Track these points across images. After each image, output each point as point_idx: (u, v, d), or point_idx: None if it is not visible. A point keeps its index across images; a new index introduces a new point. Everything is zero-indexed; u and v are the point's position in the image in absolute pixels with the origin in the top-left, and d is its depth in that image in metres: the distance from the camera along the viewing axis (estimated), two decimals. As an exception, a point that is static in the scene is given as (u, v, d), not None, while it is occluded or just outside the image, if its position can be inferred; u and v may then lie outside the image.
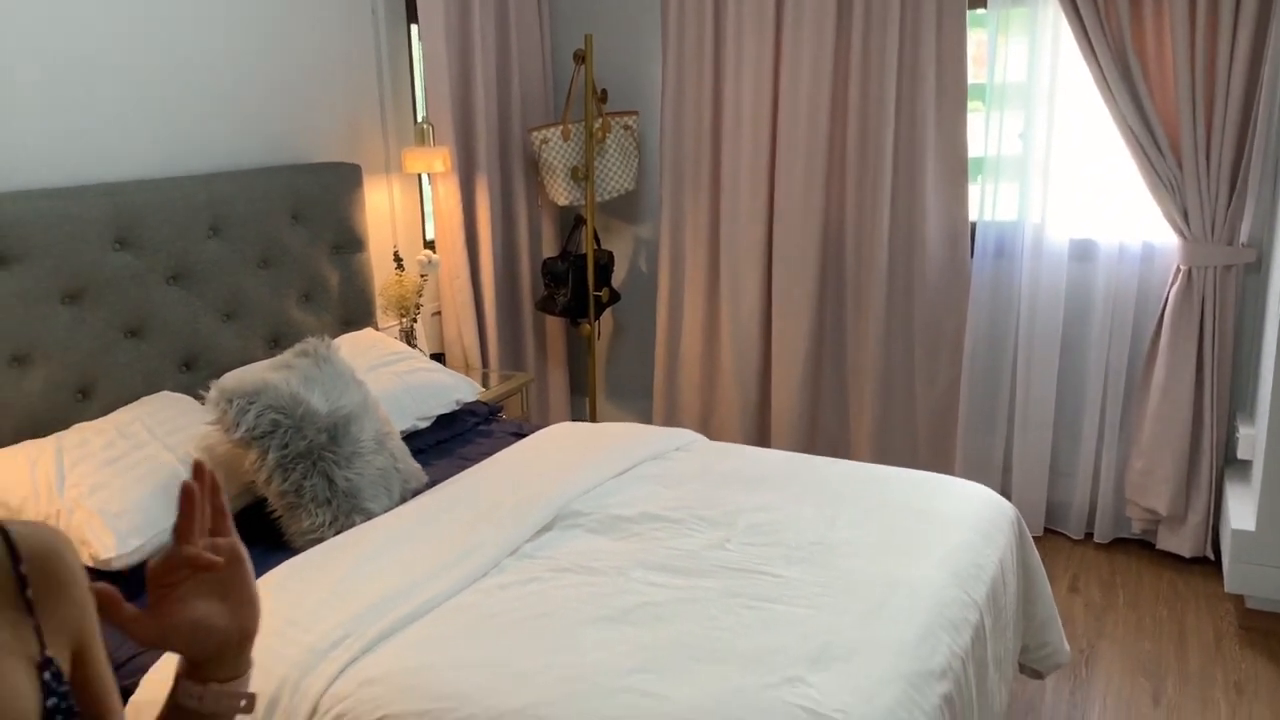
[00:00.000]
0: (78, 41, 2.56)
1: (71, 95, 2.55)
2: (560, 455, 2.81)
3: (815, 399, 4.05)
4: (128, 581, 2.09)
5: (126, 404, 2.52)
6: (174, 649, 0.85)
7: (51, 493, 2.13)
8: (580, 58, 3.92)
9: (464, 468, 2.81)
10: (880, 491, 2.58)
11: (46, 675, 0.81)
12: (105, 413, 2.48)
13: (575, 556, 2.25)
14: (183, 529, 0.84)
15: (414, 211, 3.87)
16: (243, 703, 0.89)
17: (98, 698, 0.88)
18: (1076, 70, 3.45)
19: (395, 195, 3.74)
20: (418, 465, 2.69)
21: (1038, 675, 2.65)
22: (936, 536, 2.31)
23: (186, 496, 0.83)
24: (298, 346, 2.60)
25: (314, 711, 1.76)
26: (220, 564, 0.83)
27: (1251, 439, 3.26)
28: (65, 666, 0.84)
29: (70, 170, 2.53)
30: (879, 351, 3.86)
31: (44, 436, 2.33)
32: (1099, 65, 3.31)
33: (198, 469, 0.85)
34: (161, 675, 1.80)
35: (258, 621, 0.88)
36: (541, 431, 3.06)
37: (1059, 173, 3.60)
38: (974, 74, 3.65)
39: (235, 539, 0.86)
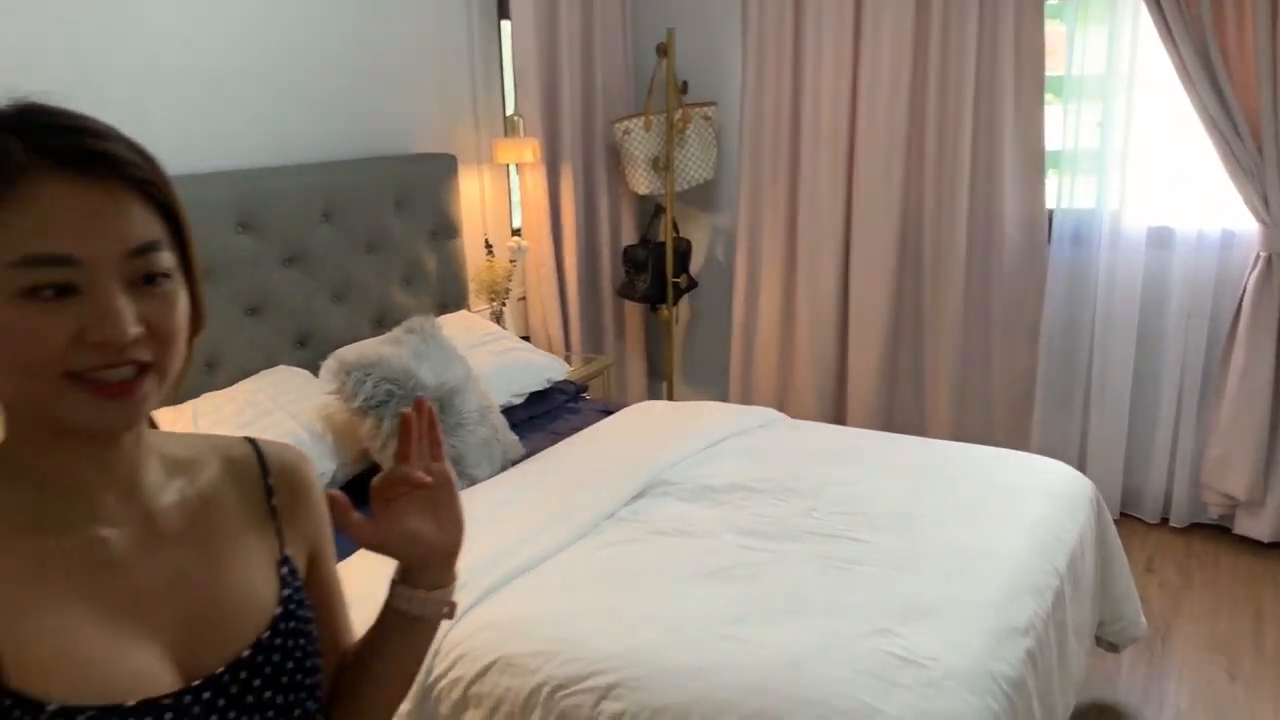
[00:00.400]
0: (212, 43, 2.75)
1: (204, 90, 2.74)
2: (649, 430, 2.94)
3: (891, 383, 4.13)
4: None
5: (248, 376, 2.70)
6: (389, 554, 0.98)
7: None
8: (662, 51, 4.04)
9: (556, 441, 2.95)
10: (961, 466, 2.67)
11: (284, 571, 0.94)
12: (229, 384, 2.66)
13: (669, 521, 2.38)
14: (401, 452, 0.96)
15: (502, 200, 4.03)
16: (445, 609, 1.01)
17: (328, 595, 1.02)
18: (1155, 59, 3.49)
19: (485, 184, 3.91)
20: (515, 437, 2.85)
21: (1114, 649, 2.72)
22: (1017, 508, 2.40)
23: (405, 425, 0.96)
24: (405, 324, 2.76)
25: (437, 653, 1.91)
26: (430, 483, 0.95)
27: (1331, 424, 3.28)
28: (300, 566, 0.97)
29: (198, 159, 2.73)
30: (956, 337, 3.93)
31: (176, 405, 2.52)
32: (1179, 54, 3.35)
33: (418, 404, 0.98)
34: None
35: (461, 540, 1.00)
36: (628, 409, 3.20)
37: (1137, 161, 3.63)
38: (1051, 67, 3.70)
39: (447, 466, 0.98)
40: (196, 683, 0.83)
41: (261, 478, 0.96)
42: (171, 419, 2.39)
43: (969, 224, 3.87)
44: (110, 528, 0.84)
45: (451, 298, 3.55)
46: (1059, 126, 3.71)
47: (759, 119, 4.15)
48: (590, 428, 3.02)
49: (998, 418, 3.96)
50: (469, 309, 3.65)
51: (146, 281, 0.79)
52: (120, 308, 0.76)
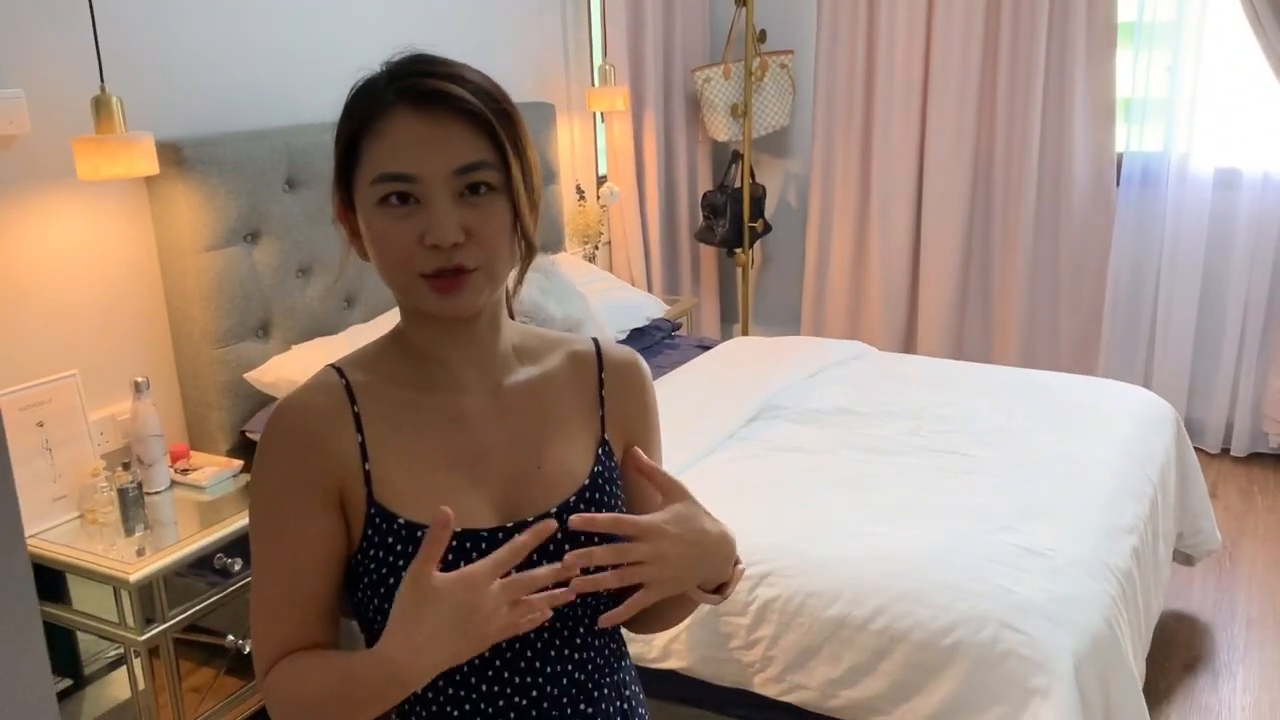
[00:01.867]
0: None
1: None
2: (750, 362, 3.14)
3: (960, 323, 4.31)
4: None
5: (384, 311, 2.91)
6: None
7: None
8: (742, 0, 4.18)
9: (662, 374, 3.16)
10: (1050, 391, 2.86)
11: (600, 452, 1.09)
12: (368, 319, 2.87)
13: (786, 439, 2.59)
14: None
15: (589, 147, 4.21)
16: (713, 597, 1.06)
17: (645, 487, 1.11)
18: (1226, 6, 3.61)
19: (575, 132, 4.08)
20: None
21: (1189, 561, 2.91)
22: (1108, 426, 2.59)
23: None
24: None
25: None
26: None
27: (1393, 355, 3.44)
28: (617, 451, 1.11)
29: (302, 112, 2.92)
30: (1025, 276, 4.10)
31: (326, 336, 2.74)
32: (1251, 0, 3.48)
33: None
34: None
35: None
36: (725, 344, 3.40)
37: (1205, 105, 3.77)
38: (1122, 13, 3.82)
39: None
40: (510, 525, 1.01)
41: (597, 372, 1.12)
42: (331, 349, 2.62)
43: (1039, 168, 4.02)
44: (467, 394, 1.04)
45: (549, 241, 3.74)
46: (1129, 72, 3.84)
47: (834, 67, 4.30)
48: (692, 361, 3.22)
49: (1064, 354, 4.13)
50: (565, 251, 3.84)
51: (471, 193, 0.95)
52: (447, 214, 0.94)
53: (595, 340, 1.16)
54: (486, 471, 1.03)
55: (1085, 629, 1.82)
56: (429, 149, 0.94)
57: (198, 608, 2.14)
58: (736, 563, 1.08)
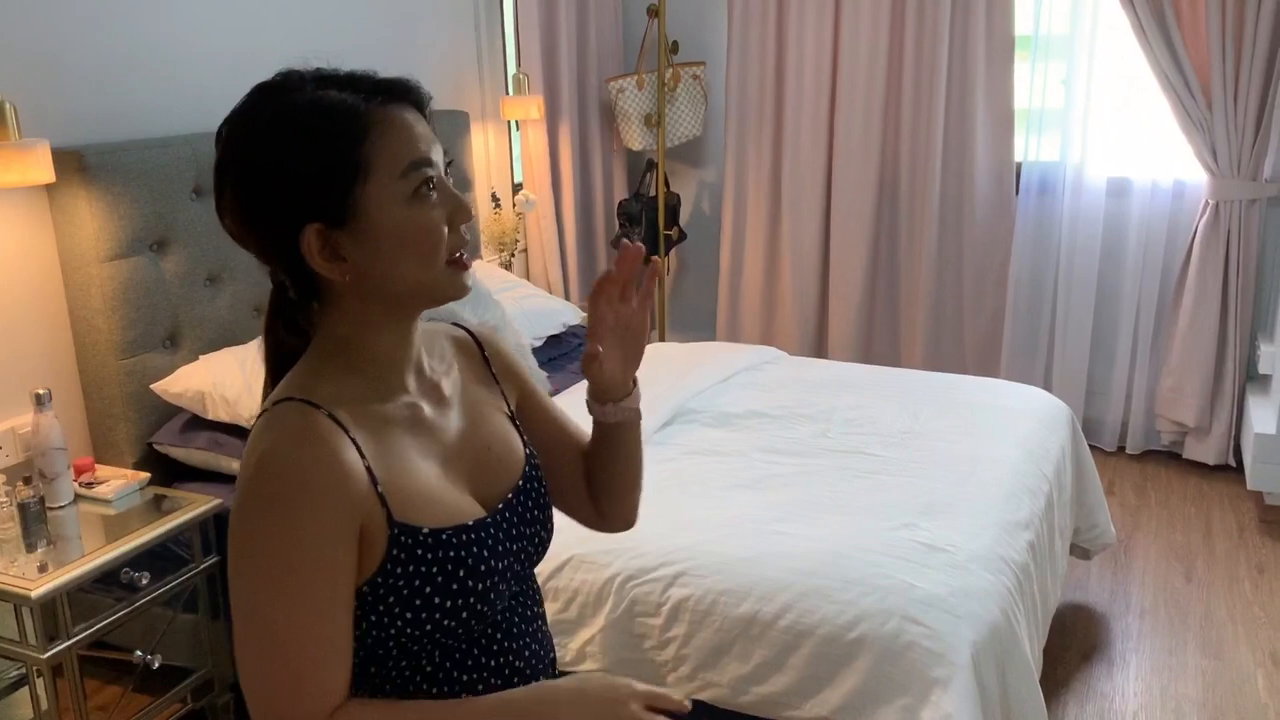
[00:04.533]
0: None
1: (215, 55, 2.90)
2: (665, 367, 3.18)
3: (870, 326, 4.42)
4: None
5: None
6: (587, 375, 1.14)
7: (261, 384, 2.51)
8: (653, 12, 4.24)
9: (577, 380, 3.19)
10: (953, 393, 2.96)
11: (515, 424, 1.18)
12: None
13: (700, 443, 2.64)
14: (619, 268, 1.09)
15: (504, 155, 4.22)
16: (633, 414, 1.18)
17: (553, 416, 1.25)
18: (1115, 20, 3.78)
19: (490, 140, 4.09)
20: (544, 374, 3.07)
21: (1085, 555, 3.04)
22: (1007, 425, 2.69)
23: (625, 252, 1.07)
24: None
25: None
26: (635, 319, 1.12)
27: (1272, 355, 3.62)
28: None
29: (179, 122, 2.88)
30: (930, 282, 4.23)
31: (236, 345, 2.71)
32: (1137, 15, 3.64)
33: (654, 267, 1.16)
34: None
35: (636, 370, 1.16)
36: (640, 349, 3.44)
37: (1098, 116, 3.94)
38: (1019, 27, 3.97)
39: (645, 316, 1.15)
40: (498, 510, 1.08)
41: (479, 351, 1.20)
42: (240, 357, 2.59)
43: (942, 177, 4.15)
44: (414, 396, 1.07)
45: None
46: (1026, 83, 4.00)
47: (744, 79, 4.38)
48: (608, 366, 3.25)
49: (969, 358, 4.27)
50: (481, 258, 3.84)
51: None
52: (461, 195, 1.02)
53: (458, 325, 1.21)
54: (458, 465, 1.08)
55: (983, 621, 1.90)
56: (429, 140, 1.00)
57: (103, 624, 2.09)
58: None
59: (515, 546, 1.09)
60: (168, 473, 2.58)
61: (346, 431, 0.98)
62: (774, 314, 4.58)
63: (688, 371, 3.11)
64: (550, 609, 2.10)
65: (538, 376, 3.02)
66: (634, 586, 2.05)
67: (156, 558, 2.21)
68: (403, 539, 0.99)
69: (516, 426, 1.18)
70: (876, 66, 4.14)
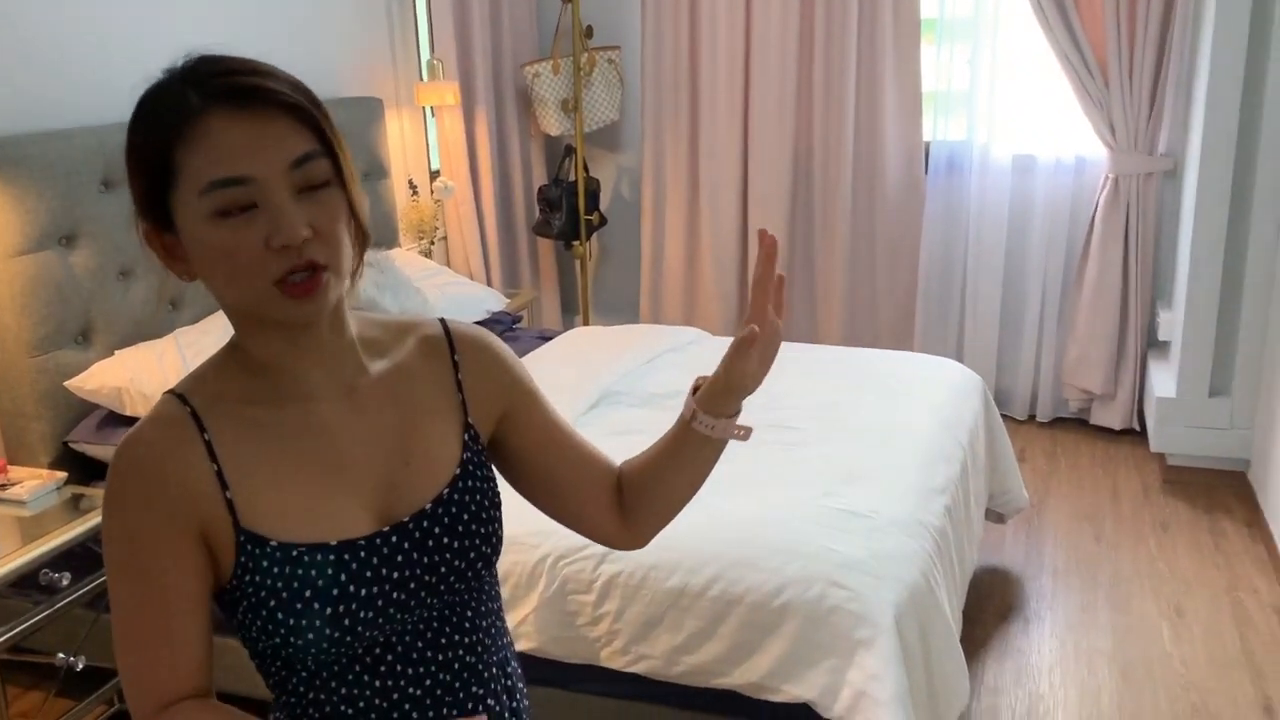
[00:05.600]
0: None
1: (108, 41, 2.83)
2: (591, 351, 3.21)
3: (788, 302, 4.49)
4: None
5: (212, 313, 2.84)
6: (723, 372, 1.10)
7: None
8: (567, -3, 4.25)
9: (502, 365, 3.19)
10: (870, 367, 3.04)
11: (466, 437, 1.07)
12: (195, 321, 2.80)
13: (626, 423, 2.67)
14: (763, 271, 1.07)
15: (420, 143, 4.19)
16: (740, 432, 1.13)
17: (553, 434, 1.15)
18: (1016, 3, 3.89)
19: (405, 127, 4.06)
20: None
21: (1000, 520, 3.15)
22: (922, 396, 2.78)
23: (767, 246, 1.06)
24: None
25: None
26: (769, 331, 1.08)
27: (1171, 322, 3.79)
28: (484, 434, 1.10)
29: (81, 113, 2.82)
30: (845, 259, 4.32)
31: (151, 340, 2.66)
32: (1037, -2, 3.77)
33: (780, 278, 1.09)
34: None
35: (760, 384, 1.12)
36: (566, 334, 3.46)
37: (1002, 96, 4.06)
38: (926, 9, 4.07)
39: (779, 323, 1.10)
40: (387, 528, 1.00)
41: (449, 354, 1.10)
42: (159, 351, 2.54)
43: (854, 157, 4.24)
44: (319, 401, 1.01)
45: (384, 237, 3.72)
46: (933, 65, 4.10)
47: (659, 63, 4.41)
48: (534, 352, 3.27)
49: (883, 331, 4.38)
50: (399, 247, 3.82)
51: (309, 189, 0.92)
52: (291, 212, 0.90)
53: (443, 321, 1.13)
54: (354, 477, 1.01)
55: (904, 583, 1.97)
56: (258, 148, 0.90)
57: (22, 628, 2.05)
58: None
59: (419, 568, 1.01)
60: (85, 471, 2.53)
61: (203, 431, 0.96)
62: (696, 295, 4.64)
63: (613, 354, 3.14)
64: (482, 591, 2.11)
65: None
66: (565, 565, 2.08)
67: (76, 558, 2.17)
68: (249, 548, 0.95)
69: (466, 442, 1.08)
70: (788, 50, 4.21)
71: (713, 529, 2.07)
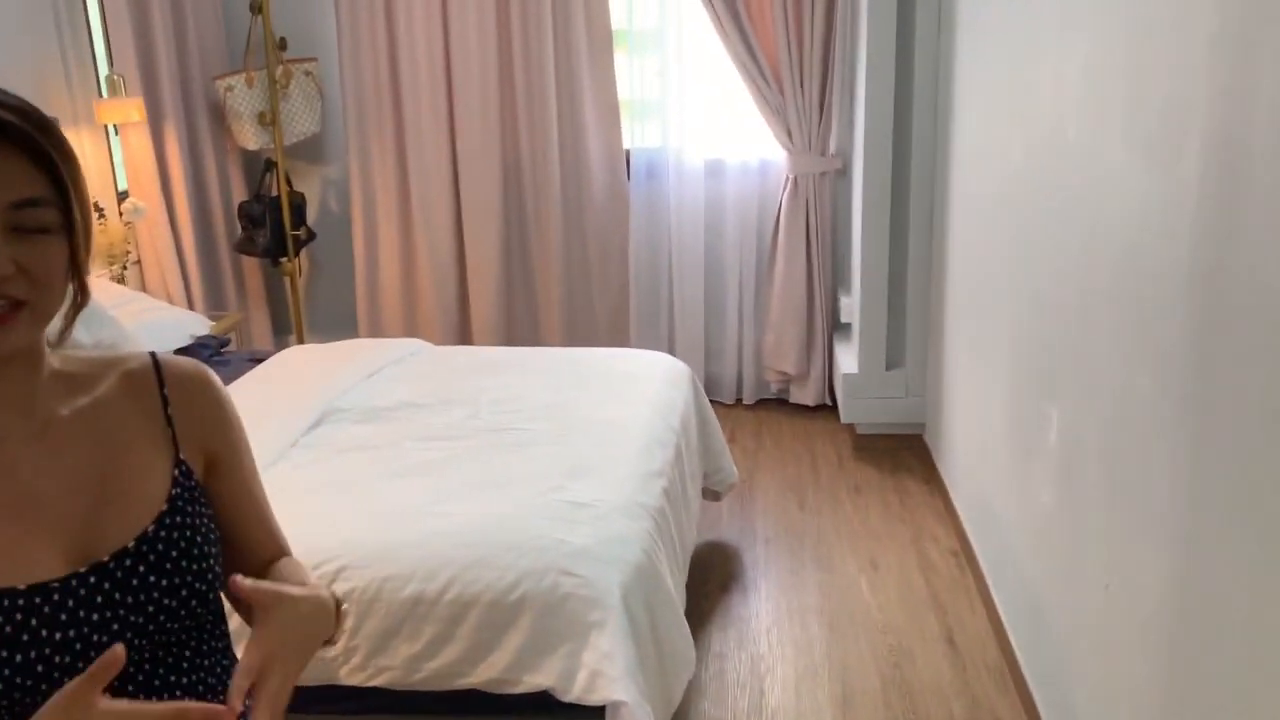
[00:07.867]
0: None
1: None
2: (307, 369, 3.16)
3: (508, 309, 4.60)
4: None
5: None
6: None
7: None
8: (257, 8, 4.12)
9: (214, 391, 3.08)
10: (590, 365, 3.19)
11: (177, 473, 1.05)
12: None
13: (351, 440, 2.66)
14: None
15: (105, 163, 3.93)
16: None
17: (241, 499, 1.13)
18: (697, 15, 4.17)
19: (85, 147, 3.79)
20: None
21: (716, 498, 3.39)
22: (638, 388, 2.95)
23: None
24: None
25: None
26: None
27: (851, 306, 4.20)
28: (197, 469, 1.08)
29: None
30: (560, 265, 4.47)
31: None
32: (715, 10, 4.05)
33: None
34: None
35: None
36: (278, 355, 3.38)
37: (692, 104, 4.34)
38: (615, 20, 4.28)
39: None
40: (83, 569, 0.96)
41: (158, 388, 1.08)
42: None
43: (561, 165, 4.40)
44: (6, 441, 0.97)
45: (69, 264, 3.46)
46: (627, 75, 4.32)
47: (359, 74, 4.37)
48: (245, 376, 3.17)
49: (601, 330, 4.57)
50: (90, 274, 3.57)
51: (28, 232, 0.90)
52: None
53: (153, 355, 1.11)
54: (47, 517, 0.97)
55: (629, 563, 2.10)
56: None
57: None
58: (339, 605, 1.10)
59: (123, 609, 0.97)
60: None
61: None
62: (415, 307, 4.63)
63: (331, 371, 3.11)
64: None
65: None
66: (297, 587, 2.05)
67: None
68: None
69: (176, 478, 1.06)
70: (488, 61, 4.29)
71: (446, 535, 2.12)
